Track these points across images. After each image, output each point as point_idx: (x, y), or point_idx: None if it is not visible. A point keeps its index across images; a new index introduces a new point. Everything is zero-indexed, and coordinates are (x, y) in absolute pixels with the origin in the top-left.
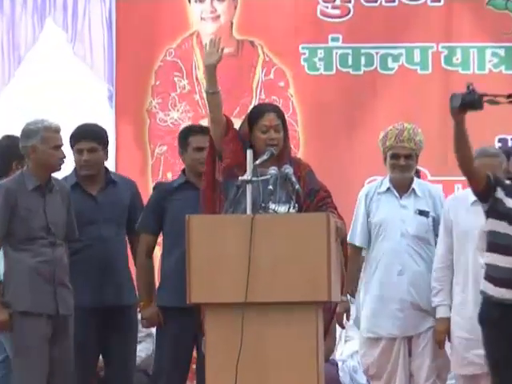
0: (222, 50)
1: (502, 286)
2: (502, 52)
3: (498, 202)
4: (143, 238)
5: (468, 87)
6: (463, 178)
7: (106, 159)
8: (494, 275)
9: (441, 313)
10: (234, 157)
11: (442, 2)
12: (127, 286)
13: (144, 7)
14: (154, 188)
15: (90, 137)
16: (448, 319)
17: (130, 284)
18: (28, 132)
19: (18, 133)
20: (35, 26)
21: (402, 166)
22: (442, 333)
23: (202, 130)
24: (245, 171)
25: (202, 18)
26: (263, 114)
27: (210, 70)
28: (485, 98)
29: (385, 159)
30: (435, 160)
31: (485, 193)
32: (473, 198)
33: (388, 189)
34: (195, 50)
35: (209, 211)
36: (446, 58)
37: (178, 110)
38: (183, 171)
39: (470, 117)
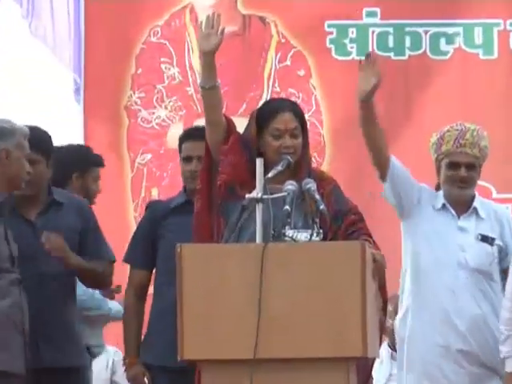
0: (223, 30)
1: None
2: None
3: None
4: (131, 275)
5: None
6: None
7: (50, 175)
8: None
9: (510, 366)
10: (235, 172)
11: None
12: (74, 341)
13: None
14: (147, 208)
15: None
16: None
17: (78, 338)
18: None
19: None
20: None
21: (463, 179)
22: None
23: (193, 135)
24: (250, 190)
25: None
26: (276, 113)
27: (207, 58)
28: None
29: (438, 169)
30: (501, 172)
31: None
32: None
33: (443, 206)
34: (188, 29)
35: (205, 239)
36: None
37: (166, 107)
38: (184, 188)
39: None
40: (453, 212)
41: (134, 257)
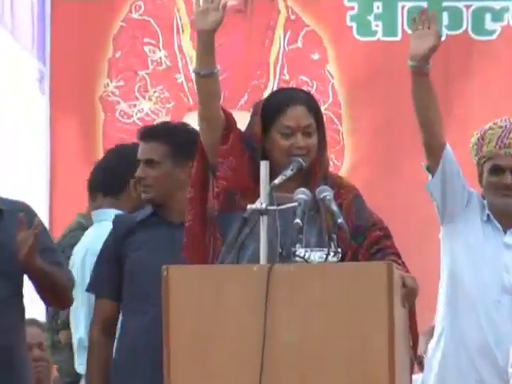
0: (225, 5)
1: None
2: None
3: None
4: (96, 306)
5: None
6: None
7: None
8: None
9: None
10: (236, 178)
11: None
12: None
13: None
14: (112, 224)
15: None
16: None
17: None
18: None
19: None
20: None
21: (508, 186)
22: None
23: (142, 135)
24: (252, 199)
25: None
26: (286, 106)
27: (205, 38)
28: None
29: (480, 175)
30: None
31: None
32: None
33: (488, 217)
34: (178, 3)
35: (198, 258)
36: None
37: (150, 99)
38: None
39: None
40: (498, 225)
41: (97, 285)
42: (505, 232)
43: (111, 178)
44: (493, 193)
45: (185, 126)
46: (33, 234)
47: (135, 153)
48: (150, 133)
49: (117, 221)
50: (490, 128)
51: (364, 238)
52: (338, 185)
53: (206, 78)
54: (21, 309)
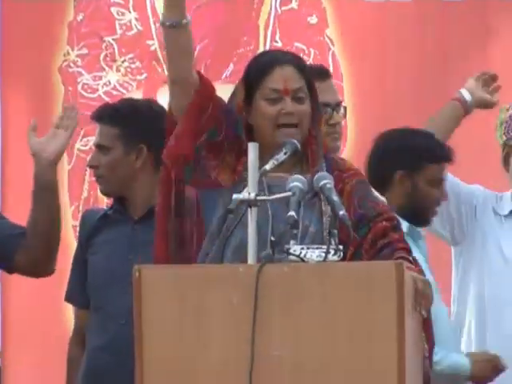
0: None
1: None
2: None
3: None
4: (74, 316)
5: None
6: None
7: None
8: None
9: None
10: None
11: None
12: None
13: None
14: (80, 220)
15: None
16: None
17: None
18: None
19: None
20: None
21: None
22: None
23: (95, 115)
24: (233, 176)
25: None
26: (272, 68)
27: (179, 35)
28: None
29: (505, 159)
30: None
31: None
32: None
33: (511, 212)
34: None
35: (164, 257)
36: None
37: (118, 70)
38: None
39: None
40: None
41: (71, 293)
42: None
43: None
44: None
45: (149, 103)
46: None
47: None
48: (101, 113)
49: (84, 217)
50: None
51: (368, 230)
52: (339, 168)
53: (174, 29)
54: None
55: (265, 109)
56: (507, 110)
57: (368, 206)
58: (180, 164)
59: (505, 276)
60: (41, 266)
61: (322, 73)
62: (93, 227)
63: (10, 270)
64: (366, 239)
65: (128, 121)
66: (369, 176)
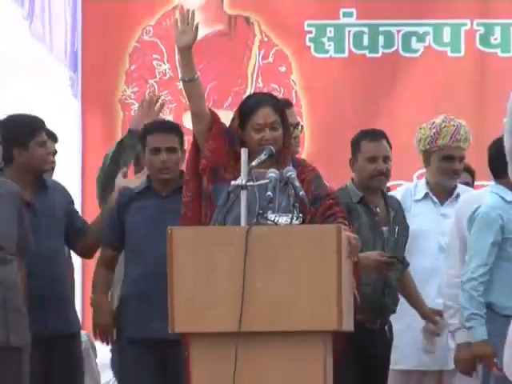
0: (197, 26)
1: None
2: None
3: None
4: (101, 252)
5: None
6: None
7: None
8: None
9: (460, 338)
10: (214, 157)
11: None
12: (73, 311)
13: None
14: (118, 195)
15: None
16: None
17: (74, 308)
18: None
19: None
20: None
21: (456, 171)
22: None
23: (161, 127)
24: (234, 174)
25: None
26: (257, 108)
27: (184, 53)
28: None
29: (426, 160)
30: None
31: None
32: None
33: (426, 195)
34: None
35: (193, 224)
36: (482, 37)
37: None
38: (148, 176)
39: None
40: (435, 200)
41: (104, 237)
42: (441, 204)
43: None
44: (442, 175)
45: (178, 124)
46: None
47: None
48: (167, 125)
49: (123, 191)
50: (445, 126)
51: (320, 205)
52: (301, 165)
53: (189, 82)
54: (66, 257)
55: (253, 135)
56: (429, 128)
57: (320, 189)
58: (212, 168)
59: (418, 247)
60: (89, 255)
61: (288, 103)
62: (130, 197)
63: (74, 251)
64: (318, 211)
65: (179, 131)
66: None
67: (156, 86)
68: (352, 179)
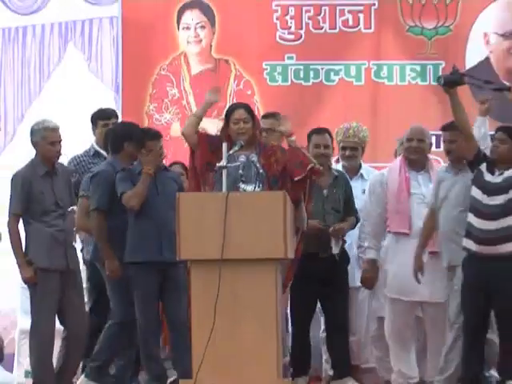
0: (219, 98)
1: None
2: (418, 68)
3: (480, 173)
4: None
5: (453, 68)
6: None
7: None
8: (471, 232)
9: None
10: (201, 160)
11: (372, 29)
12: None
13: (143, 32)
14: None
15: None
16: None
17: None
18: (32, 131)
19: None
20: (60, 48)
21: (348, 156)
22: None
23: (155, 135)
24: (215, 164)
25: (188, 42)
26: (235, 109)
27: (208, 105)
28: (468, 80)
29: (344, 150)
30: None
31: (474, 163)
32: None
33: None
34: (183, 67)
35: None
36: (375, 72)
37: (169, 113)
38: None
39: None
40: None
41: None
42: (351, 179)
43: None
44: (341, 159)
45: None
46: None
47: (130, 128)
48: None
49: (126, 170)
50: (340, 127)
51: (283, 176)
52: (267, 148)
53: (197, 119)
54: None
55: (232, 127)
56: (340, 129)
57: (296, 156)
58: (204, 165)
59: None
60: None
61: (275, 114)
62: (133, 176)
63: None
64: (292, 175)
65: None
66: None
67: (169, 103)
68: None
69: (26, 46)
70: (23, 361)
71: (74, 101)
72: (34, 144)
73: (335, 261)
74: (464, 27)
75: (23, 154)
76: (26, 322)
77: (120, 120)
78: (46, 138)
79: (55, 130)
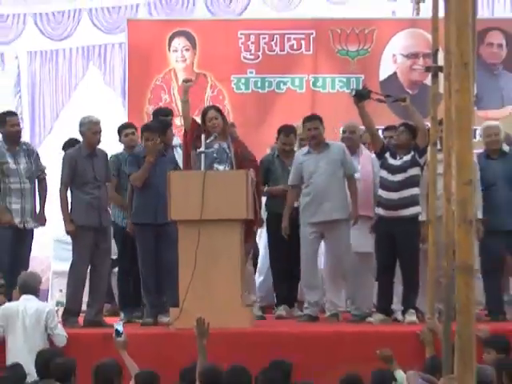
0: (192, 83)
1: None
2: (344, 80)
3: (385, 159)
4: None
5: (364, 85)
6: None
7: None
8: (381, 201)
9: None
10: (190, 139)
11: (311, 51)
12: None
13: (144, 54)
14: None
15: None
16: None
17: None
18: (80, 123)
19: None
20: (83, 66)
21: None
22: None
23: (150, 127)
24: (197, 145)
25: (176, 61)
26: (208, 110)
27: (185, 91)
28: (373, 95)
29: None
30: None
31: (380, 153)
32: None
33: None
34: (172, 79)
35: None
36: (313, 83)
37: None
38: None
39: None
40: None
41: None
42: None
43: None
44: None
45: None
46: None
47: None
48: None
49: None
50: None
51: (244, 160)
52: (235, 141)
53: (184, 102)
54: None
55: (208, 123)
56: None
57: (245, 152)
58: (192, 143)
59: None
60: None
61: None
62: (140, 159)
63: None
64: (244, 163)
65: (155, 129)
66: None
67: (162, 106)
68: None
69: (58, 64)
70: (55, 294)
71: (93, 104)
72: (82, 133)
73: (296, 217)
74: (378, 50)
75: (59, 143)
76: (57, 266)
77: (127, 118)
78: (90, 129)
79: (97, 123)
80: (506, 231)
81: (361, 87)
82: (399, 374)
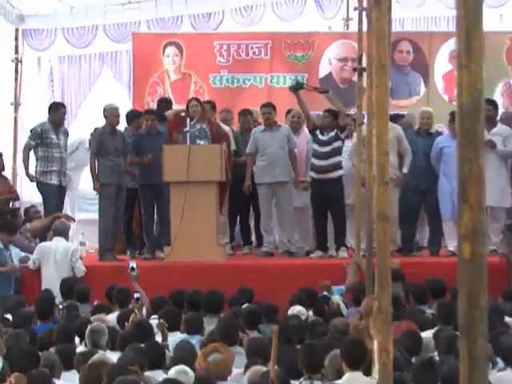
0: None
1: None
2: (293, 77)
3: (316, 135)
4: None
5: (297, 81)
6: None
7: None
8: (313, 168)
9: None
10: (175, 127)
11: (268, 56)
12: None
13: (145, 58)
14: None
15: None
16: None
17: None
18: (104, 108)
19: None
20: (100, 67)
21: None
22: None
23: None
24: (182, 130)
25: (168, 63)
26: (191, 101)
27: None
28: (307, 87)
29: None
30: None
31: (312, 131)
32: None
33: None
34: (165, 77)
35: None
36: (270, 80)
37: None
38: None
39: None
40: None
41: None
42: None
43: None
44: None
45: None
46: None
47: None
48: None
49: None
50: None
51: (219, 137)
52: (212, 123)
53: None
54: None
55: (190, 111)
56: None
57: (219, 131)
58: (175, 132)
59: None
60: None
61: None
62: (141, 137)
63: None
64: (218, 139)
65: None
66: None
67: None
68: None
69: (80, 66)
70: (79, 236)
71: (107, 96)
72: (105, 116)
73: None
74: (318, 55)
75: (83, 126)
76: (80, 215)
77: (131, 106)
78: (112, 113)
79: (117, 109)
80: (421, 190)
81: (300, 82)
82: (335, 297)
